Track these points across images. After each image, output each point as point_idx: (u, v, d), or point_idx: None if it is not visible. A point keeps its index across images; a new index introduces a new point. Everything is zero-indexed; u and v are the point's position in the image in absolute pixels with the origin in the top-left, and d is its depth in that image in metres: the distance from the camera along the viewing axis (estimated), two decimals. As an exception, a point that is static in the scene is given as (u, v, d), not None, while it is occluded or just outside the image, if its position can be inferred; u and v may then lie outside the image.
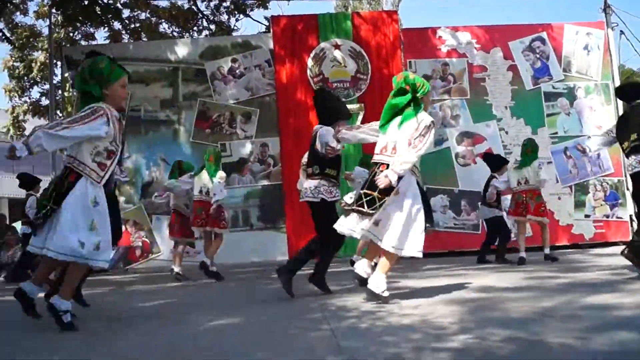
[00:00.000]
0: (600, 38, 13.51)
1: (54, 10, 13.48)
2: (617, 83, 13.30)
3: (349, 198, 8.00)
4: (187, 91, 13.07)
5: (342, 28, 13.05)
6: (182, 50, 13.34)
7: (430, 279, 7.33)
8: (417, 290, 6.10)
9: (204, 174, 9.27)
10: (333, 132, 6.08)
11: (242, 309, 5.50)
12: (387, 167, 5.18)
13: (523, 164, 9.54)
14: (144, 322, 4.92)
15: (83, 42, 16.30)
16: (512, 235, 10.49)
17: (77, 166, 4.56)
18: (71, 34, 16.37)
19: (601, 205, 12.91)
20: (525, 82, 13.12)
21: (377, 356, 3.19)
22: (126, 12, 15.90)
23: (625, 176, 12.48)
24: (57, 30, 15.39)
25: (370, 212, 5.12)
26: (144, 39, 16.52)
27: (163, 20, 17.17)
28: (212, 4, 17.43)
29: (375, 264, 5.47)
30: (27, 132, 18.72)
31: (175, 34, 17.36)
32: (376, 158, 5.44)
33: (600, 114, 13.09)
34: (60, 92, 14.42)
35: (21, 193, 10.81)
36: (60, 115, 14.61)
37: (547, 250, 9.49)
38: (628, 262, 6.27)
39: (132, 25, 16.85)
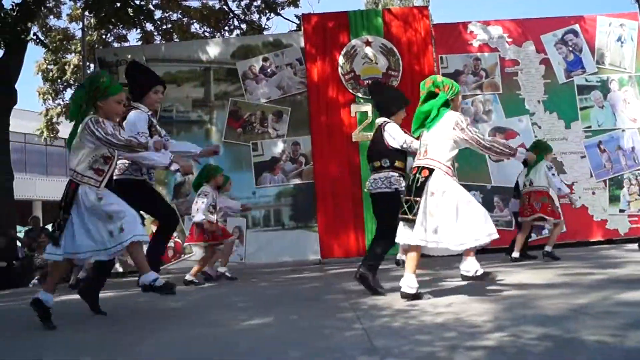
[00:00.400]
0: (634, 29, 13.28)
1: (86, 13, 13.63)
2: (652, 75, 13.18)
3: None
4: (219, 91, 13.11)
5: (372, 25, 13.00)
6: (213, 50, 13.39)
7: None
8: (451, 288, 6.09)
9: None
10: (398, 130, 6.13)
11: (273, 308, 5.53)
12: (428, 171, 5.24)
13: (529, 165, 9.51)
14: (176, 323, 4.97)
15: (115, 44, 16.53)
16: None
17: (75, 177, 4.88)
18: (104, 36, 16.59)
19: (636, 199, 12.70)
20: (558, 76, 12.97)
21: (411, 355, 3.19)
22: (158, 14, 16.09)
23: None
24: (89, 32, 15.59)
25: (412, 217, 5.19)
26: (175, 40, 16.70)
27: (194, 20, 17.34)
28: (243, 3, 17.61)
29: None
30: (60, 134, 19.01)
31: (206, 34, 17.52)
32: (415, 163, 5.49)
33: (634, 107, 12.90)
34: (93, 94, 14.60)
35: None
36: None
37: (548, 248, 9.37)
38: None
39: (164, 27, 17.04)
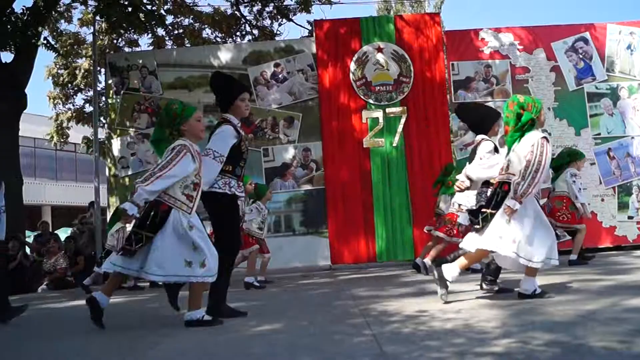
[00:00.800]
0: (644, 37, 13.36)
1: (97, 18, 13.69)
2: (661, 83, 13.21)
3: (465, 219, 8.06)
4: (231, 96, 13.15)
5: (384, 31, 13.04)
6: (225, 55, 13.47)
7: (474, 282, 7.33)
8: (460, 294, 6.13)
9: None
10: (488, 149, 6.33)
11: (284, 314, 5.58)
12: (508, 186, 5.44)
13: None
14: (188, 328, 5.00)
15: (127, 49, 16.58)
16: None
17: (167, 200, 4.98)
18: (115, 41, 16.64)
19: (644, 206, 12.75)
20: (568, 83, 13.01)
21: (421, 360, 3.24)
22: (169, 19, 16.14)
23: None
24: (100, 37, 15.64)
25: (482, 226, 5.40)
26: (187, 45, 16.75)
27: (206, 25, 17.40)
28: (255, 9, 17.63)
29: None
30: (70, 139, 19.08)
31: (218, 39, 17.56)
32: (497, 178, 5.72)
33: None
34: (104, 99, 14.65)
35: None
36: (104, 121, 14.80)
37: (572, 257, 9.45)
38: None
39: (176, 32, 17.09)
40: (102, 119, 15.39)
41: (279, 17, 17.73)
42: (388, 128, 12.48)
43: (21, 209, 13.18)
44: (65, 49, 16.17)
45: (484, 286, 6.29)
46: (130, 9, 11.52)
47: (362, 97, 12.68)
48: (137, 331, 5.20)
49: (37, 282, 12.61)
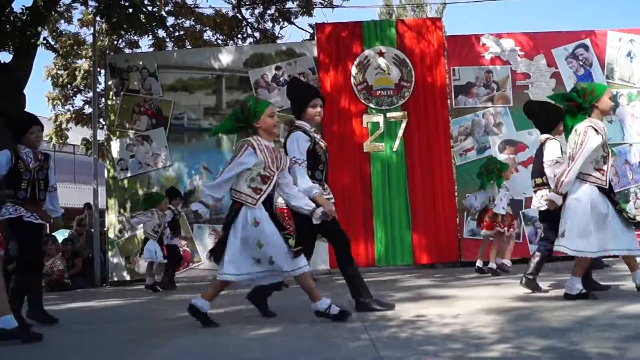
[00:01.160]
0: (644, 44, 13.41)
1: (98, 19, 13.65)
2: (660, 91, 13.26)
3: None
4: (231, 99, 13.18)
5: (386, 35, 13.07)
6: (226, 58, 13.49)
7: (471, 287, 7.37)
8: (458, 299, 6.16)
9: None
10: (554, 148, 6.58)
11: (282, 318, 5.59)
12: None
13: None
14: (186, 332, 5.03)
15: (127, 50, 16.53)
16: None
17: (237, 197, 5.05)
18: (115, 42, 16.57)
19: (642, 213, 12.76)
20: (568, 90, 13.01)
21: (417, 365, 3.27)
22: (170, 20, 16.09)
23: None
24: (101, 38, 15.58)
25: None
26: (188, 47, 16.72)
27: (207, 28, 17.35)
28: (256, 11, 17.58)
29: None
30: (69, 141, 19.04)
31: (219, 41, 17.53)
32: None
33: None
34: (103, 100, 14.61)
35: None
36: (104, 123, 14.80)
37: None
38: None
39: (177, 33, 17.05)
40: (101, 120, 15.33)
41: (280, 20, 17.71)
42: (388, 132, 12.50)
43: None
44: (64, 49, 16.07)
45: (523, 281, 6.39)
46: (131, 10, 11.49)
47: (362, 101, 12.70)
48: (136, 334, 5.22)
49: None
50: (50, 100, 17.54)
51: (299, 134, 5.58)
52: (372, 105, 12.68)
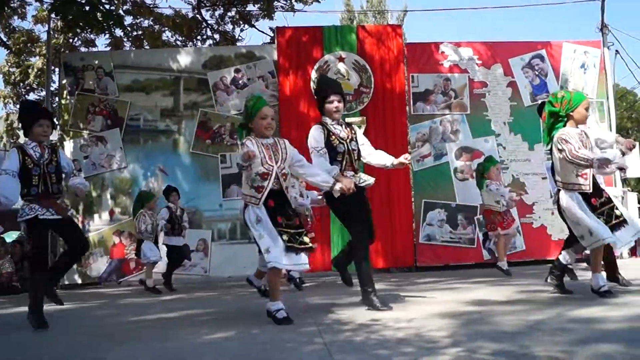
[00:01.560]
0: (597, 57, 13.70)
1: (53, 16, 13.37)
2: (612, 101, 13.55)
3: None
4: (189, 101, 13.12)
5: (346, 41, 13.12)
6: (184, 59, 13.40)
7: (426, 292, 7.42)
8: (413, 304, 6.19)
9: None
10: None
11: (236, 322, 5.55)
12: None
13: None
14: (139, 337, 4.98)
15: (83, 49, 16.24)
16: None
17: (244, 198, 5.47)
18: (70, 40, 16.24)
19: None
20: (523, 99, 13.24)
21: (370, 368, 3.28)
22: (128, 19, 15.85)
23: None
24: (55, 36, 15.28)
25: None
26: (146, 47, 16.53)
27: (166, 28, 17.16)
28: (216, 13, 17.48)
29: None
30: (21, 140, 18.67)
31: (178, 42, 17.38)
32: None
33: (595, 132, 13.15)
34: (57, 99, 14.39)
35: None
36: (57, 123, 14.57)
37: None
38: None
39: (134, 33, 16.84)
40: (55, 120, 15.07)
41: (241, 22, 17.62)
42: (347, 137, 12.50)
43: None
44: (17, 46, 15.78)
45: (549, 280, 6.51)
46: (87, 8, 11.30)
47: (322, 105, 12.70)
48: (83, 339, 5.14)
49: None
50: (2, 99, 17.14)
51: (313, 128, 6.09)
52: (331, 110, 12.67)
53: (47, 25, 14.27)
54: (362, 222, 5.94)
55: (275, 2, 16.28)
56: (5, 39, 14.77)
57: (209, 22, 17.63)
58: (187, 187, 12.45)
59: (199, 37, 17.74)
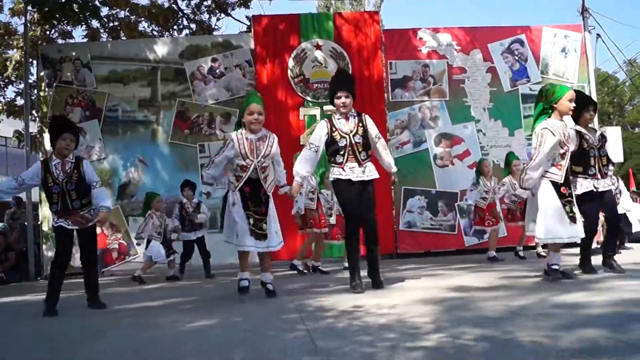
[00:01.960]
0: (578, 41, 13.69)
1: (29, 8, 13.24)
2: (593, 86, 13.53)
3: None
4: (166, 91, 13.05)
5: (323, 28, 13.07)
6: (161, 49, 13.32)
7: (408, 279, 7.40)
8: (395, 290, 6.18)
9: None
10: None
11: (218, 310, 5.53)
12: None
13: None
14: (118, 325, 4.95)
15: (60, 41, 16.10)
16: None
17: (228, 182, 6.29)
18: (47, 32, 16.12)
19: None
20: (503, 84, 13.25)
21: (352, 356, 3.23)
22: (105, 10, 15.70)
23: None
24: (33, 28, 15.16)
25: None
26: (122, 38, 16.40)
27: (142, 18, 17.03)
28: (192, 2, 17.39)
29: None
30: (1, 133, 18.53)
31: (154, 33, 17.26)
32: None
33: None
34: (35, 91, 14.26)
35: None
36: (36, 115, 14.46)
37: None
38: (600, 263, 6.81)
39: (111, 24, 16.70)
40: (33, 112, 14.95)
41: (217, 11, 17.52)
42: (325, 125, 12.48)
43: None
44: (-6, 39, 15.64)
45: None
46: (63, 0, 11.20)
47: (299, 94, 12.70)
48: (67, 329, 5.08)
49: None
50: (-19, 92, 17.01)
51: (323, 122, 6.47)
52: (308, 98, 12.69)
53: (23, 18, 14.11)
54: (353, 216, 6.44)
55: (252, -10, 16.22)
56: (-19, 32, 14.54)
57: (185, 11, 17.53)
58: (167, 177, 12.42)
59: (175, 27, 17.64)
